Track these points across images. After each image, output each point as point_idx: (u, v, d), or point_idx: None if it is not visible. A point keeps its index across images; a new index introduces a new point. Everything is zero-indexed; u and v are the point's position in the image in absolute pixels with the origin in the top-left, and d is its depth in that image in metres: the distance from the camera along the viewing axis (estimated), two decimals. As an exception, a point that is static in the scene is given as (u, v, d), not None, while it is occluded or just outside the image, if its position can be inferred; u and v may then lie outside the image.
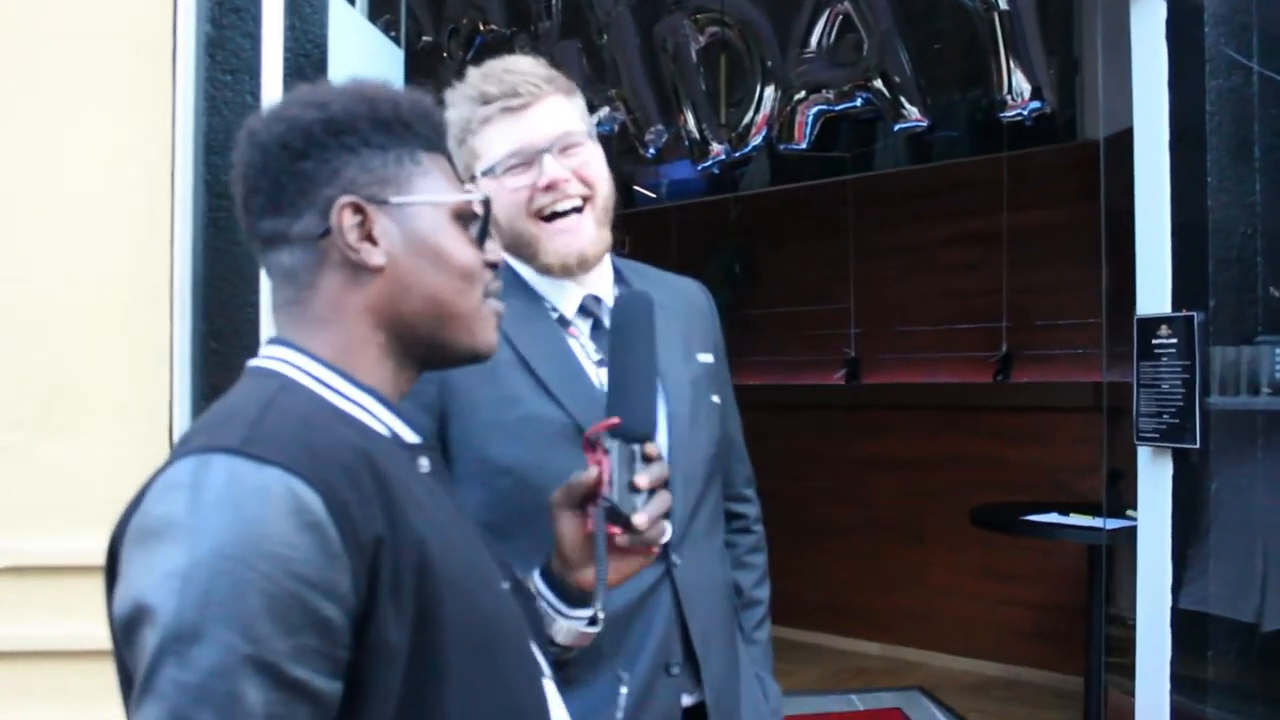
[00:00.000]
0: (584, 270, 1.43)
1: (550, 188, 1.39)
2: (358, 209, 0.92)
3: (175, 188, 1.85)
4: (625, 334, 1.16)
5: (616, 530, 1.08)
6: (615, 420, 1.09)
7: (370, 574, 0.79)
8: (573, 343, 1.44)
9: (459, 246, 0.96)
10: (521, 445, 1.35)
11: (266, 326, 1.89)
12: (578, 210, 1.41)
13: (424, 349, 0.97)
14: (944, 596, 5.03)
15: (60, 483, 1.81)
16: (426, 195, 0.96)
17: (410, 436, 0.96)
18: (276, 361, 0.93)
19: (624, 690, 1.30)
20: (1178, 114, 2.31)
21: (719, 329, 1.64)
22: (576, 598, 1.14)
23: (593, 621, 1.15)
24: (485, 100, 1.40)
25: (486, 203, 0.99)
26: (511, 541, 1.21)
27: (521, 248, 1.41)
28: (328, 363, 0.92)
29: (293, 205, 0.92)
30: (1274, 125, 2.28)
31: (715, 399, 1.54)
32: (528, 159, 1.39)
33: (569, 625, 1.14)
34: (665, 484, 1.12)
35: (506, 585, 0.99)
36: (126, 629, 0.78)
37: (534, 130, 1.40)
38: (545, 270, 1.43)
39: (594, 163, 1.43)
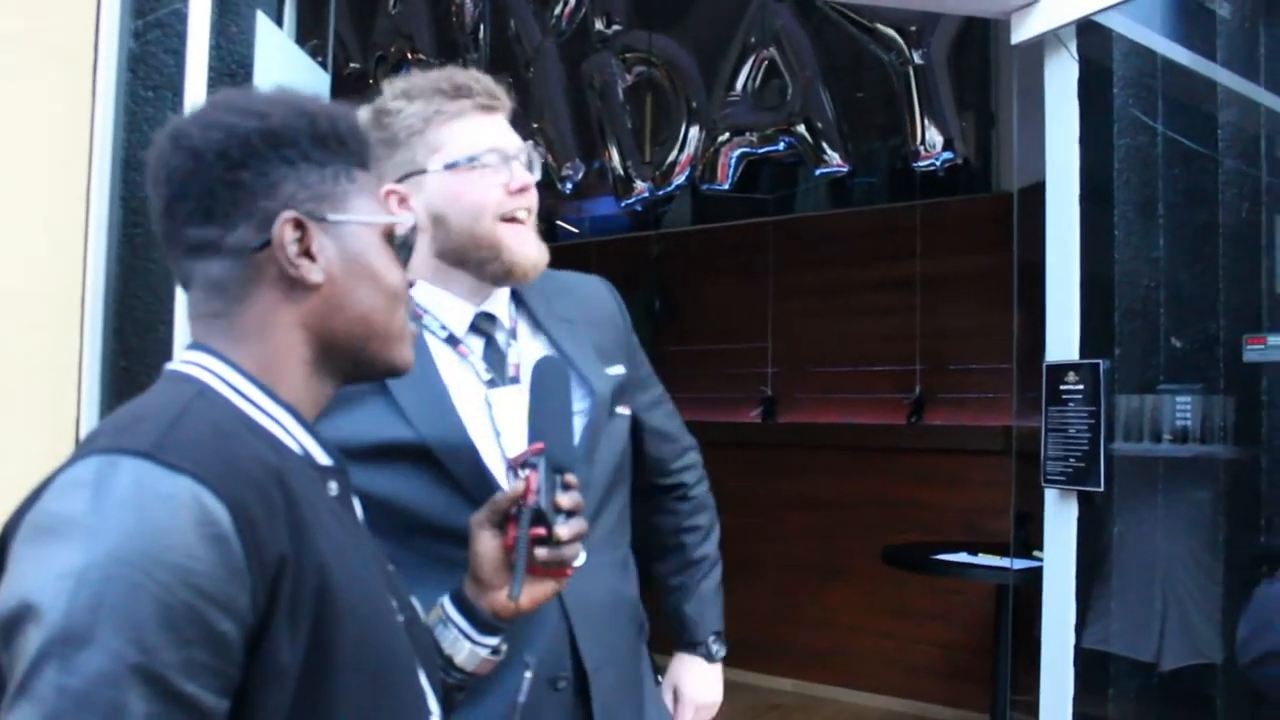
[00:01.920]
0: (533, 279, 1.41)
1: (522, 191, 1.38)
2: (298, 224, 0.90)
3: (90, 203, 1.81)
4: (544, 392, 1.20)
5: (540, 532, 1.09)
6: (540, 445, 1.13)
7: (270, 593, 0.77)
8: (458, 363, 1.40)
9: (389, 267, 0.96)
10: (384, 477, 1.30)
11: (180, 345, 1.85)
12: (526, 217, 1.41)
13: (349, 365, 0.96)
14: (856, 634, 5.07)
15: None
16: (362, 214, 0.95)
17: (323, 458, 0.94)
18: (196, 368, 0.90)
19: (528, 675, 1.29)
20: (1088, 170, 2.39)
21: (627, 324, 1.63)
22: (486, 624, 1.14)
23: (496, 650, 1.16)
24: (459, 94, 1.37)
25: (414, 226, 0.99)
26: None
27: (474, 249, 1.37)
28: (250, 375, 0.90)
29: (226, 216, 0.90)
30: (1177, 184, 2.38)
31: (621, 410, 1.52)
32: (502, 159, 1.37)
33: (474, 650, 1.14)
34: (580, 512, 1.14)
35: (402, 620, 0.98)
36: (8, 628, 0.74)
37: (506, 135, 1.40)
38: (500, 275, 1.39)
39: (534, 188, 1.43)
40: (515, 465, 1.14)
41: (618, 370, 1.52)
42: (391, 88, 1.40)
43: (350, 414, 1.29)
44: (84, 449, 0.80)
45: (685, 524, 1.75)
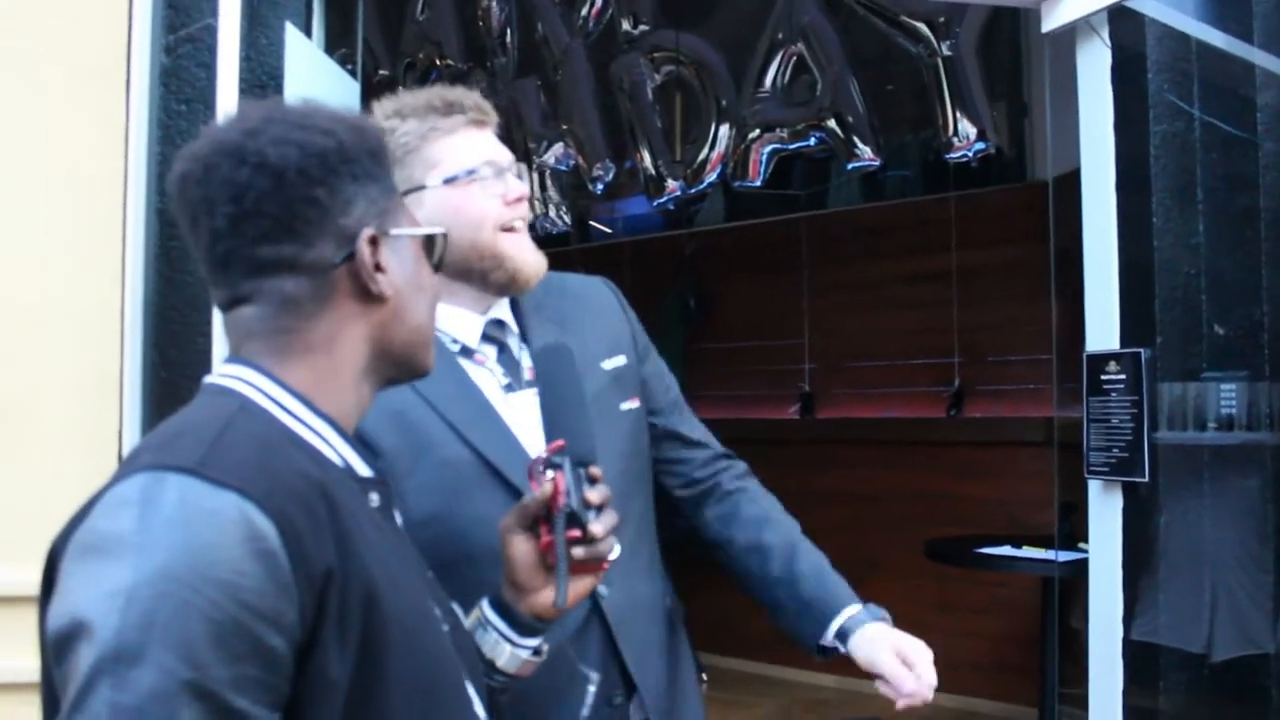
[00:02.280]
0: (535, 284, 1.43)
1: (519, 200, 1.40)
2: (374, 240, 0.93)
3: (127, 216, 1.84)
4: (552, 380, 1.21)
5: (576, 534, 1.10)
6: (561, 442, 1.13)
7: (318, 607, 0.78)
8: (479, 372, 1.42)
9: (433, 276, 1.00)
10: (438, 494, 1.33)
11: (219, 356, 1.87)
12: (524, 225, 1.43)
13: (394, 371, 0.99)
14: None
15: (3, 512, 1.76)
16: (412, 228, 0.98)
17: (363, 470, 0.95)
18: (236, 381, 0.91)
19: (591, 689, 1.30)
20: (1123, 157, 2.36)
21: (631, 320, 1.61)
22: (526, 626, 1.14)
23: (537, 651, 1.16)
24: (452, 110, 1.39)
25: (445, 236, 1.03)
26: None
27: (477, 260, 1.39)
28: (291, 389, 0.91)
29: (304, 233, 0.90)
30: (1215, 169, 2.34)
31: (626, 405, 1.51)
32: (497, 171, 1.39)
33: (515, 653, 1.14)
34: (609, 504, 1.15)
35: (447, 629, 0.98)
36: (60, 645, 0.75)
37: (497, 148, 1.42)
38: (504, 284, 1.41)
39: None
40: (538, 466, 1.14)
41: (617, 362, 1.52)
42: (382, 107, 1.42)
43: (405, 429, 1.33)
44: (128, 466, 0.80)
45: (755, 516, 1.66)
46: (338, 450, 0.93)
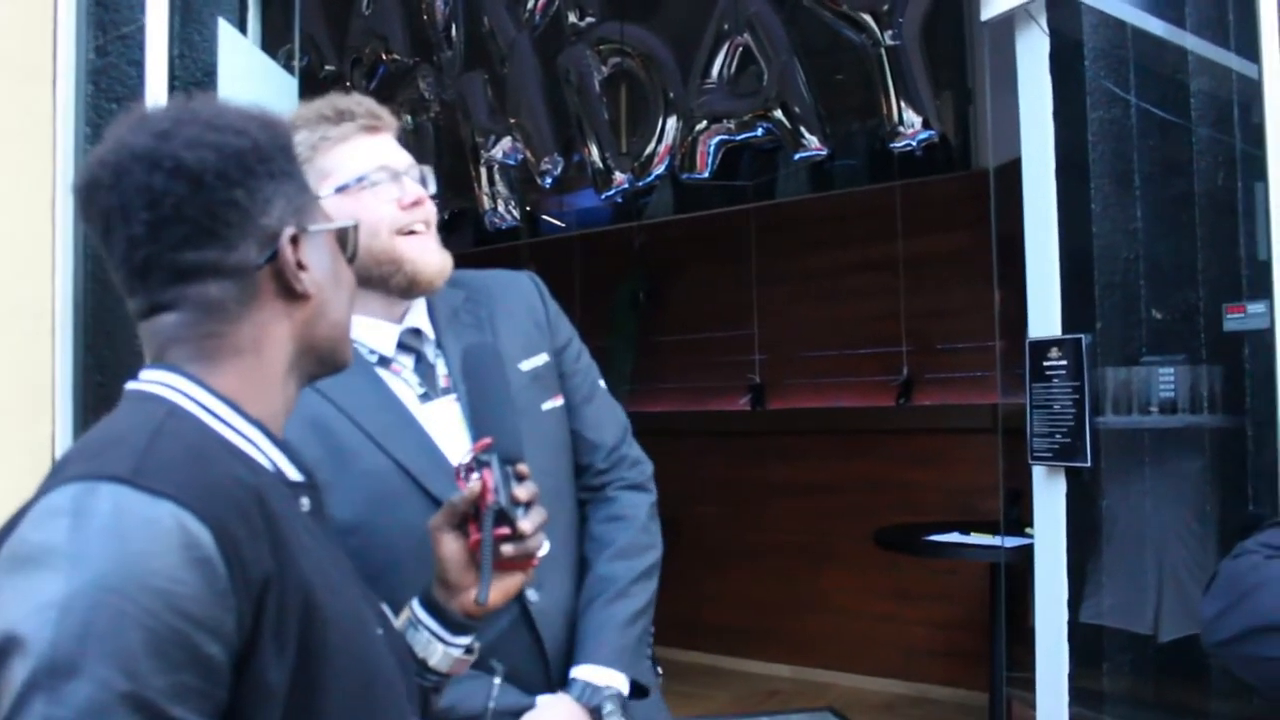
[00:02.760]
0: (439, 286, 1.42)
1: (416, 204, 1.39)
2: (294, 238, 0.92)
3: (56, 216, 1.80)
4: (477, 379, 1.21)
5: (505, 531, 1.10)
6: (488, 440, 1.13)
7: (255, 614, 0.77)
8: (396, 382, 1.41)
9: (348, 270, 1.00)
10: (361, 504, 1.32)
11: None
12: (425, 230, 1.41)
13: (316, 367, 0.98)
14: (852, 618, 5.08)
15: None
16: (328, 223, 0.97)
17: (293, 474, 0.94)
18: (161, 387, 0.89)
19: (497, 681, 1.29)
20: (1063, 144, 2.39)
21: (552, 314, 1.58)
22: (457, 624, 1.14)
23: (469, 650, 1.16)
24: (344, 118, 1.38)
25: (356, 227, 1.03)
26: None
27: (375, 266, 1.37)
28: (218, 393, 0.89)
29: (225, 236, 0.88)
30: (1152, 155, 2.37)
31: (548, 405, 1.50)
32: (391, 176, 1.38)
33: (448, 652, 1.14)
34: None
35: (380, 631, 0.98)
36: None
37: (392, 152, 1.41)
38: (405, 288, 1.40)
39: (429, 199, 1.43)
40: (467, 466, 1.13)
41: (537, 361, 1.51)
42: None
43: (327, 439, 1.32)
44: (57, 477, 0.79)
45: (600, 534, 1.56)
46: (267, 455, 0.91)
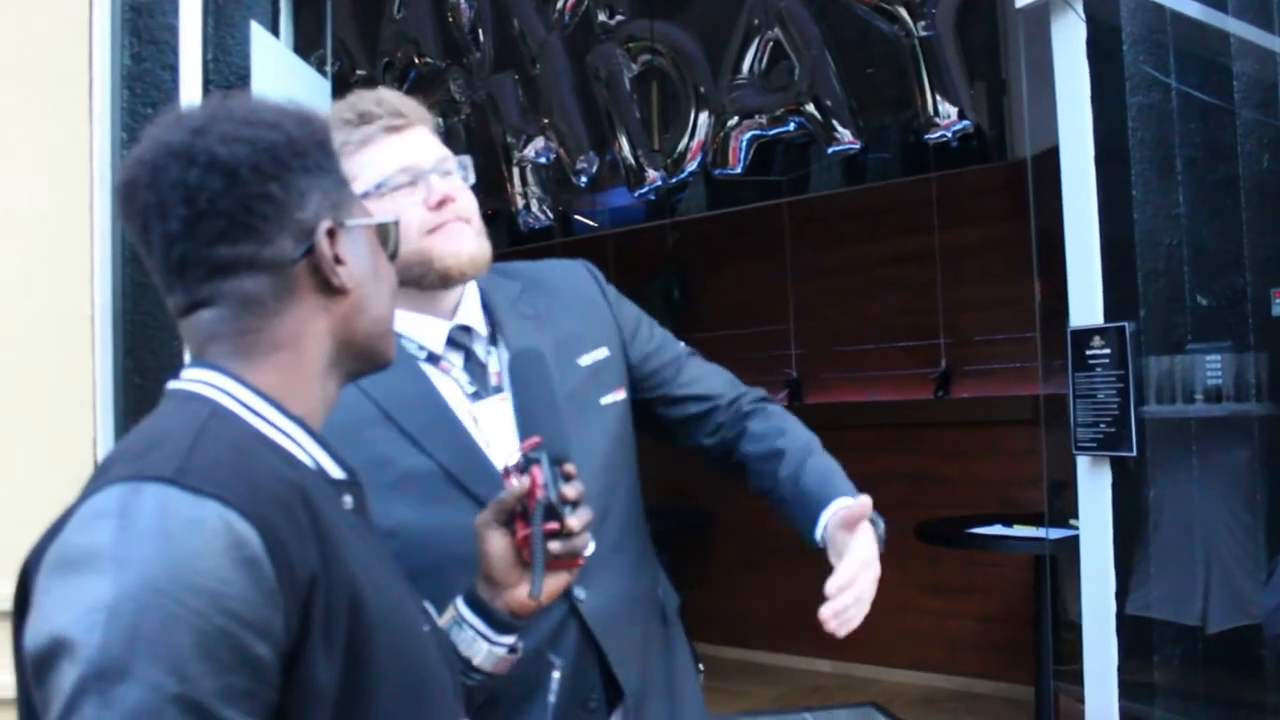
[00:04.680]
0: (475, 274, 1.39)
1: (442, 204, 1.35)
2: (331, 232, 0.91)
3: (94, 222, 1.82)
4: (525, 384, 1.20)
5: (554, 526, 1.10)
6: (538, 439, 1.13)
7: (303, 613, 0.77)
8: (444, 380, 1.38)
9: (389, 265, 0.99)
10: (401, 506, 1.30)
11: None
12: (464, 221, 1.38)
13: (357, 364, 0.98)
14: (894, 612, 5.03)
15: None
16: (367, 218, 0.97)
17: (335, 471, 0.94)
18: (203, 385, 0.89)
19: (556, 675, 1.27)
20: (1101, 131, 2.36)
21: (612, 301, 1.56)
22: (502, 623, 1.13)
23: (513, 649, 1.15)
24: (365, 120, 1.34)
25: (397, 223, 1.02)
26: None
27: (408, 270, 1.34)
28: (259, 390, 0.89)
29: (261, 230, 0.88)
30: (1193, 139, 2.34)
31: (608, 399, 1.47)
32: (414, 177, 1.34)
33: (492, 651, 1.14)
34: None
35: (427, 629, 0.98)
36: (40, 665, 0.73)
37: (417, 151, 1.37)
38: (438, 282, 1.37)
39: (465, 190, 1.39)
40: (515, 466, 1.14)
41: (598, 355, 1.48)
42: None
43: (360, 446, 1.30)
44: (102, 478, 0.79)
45: (760, 431, 1.58)
46: (309, 452, 0.91)
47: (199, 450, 0.79)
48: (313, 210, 0.91)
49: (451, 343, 1.40)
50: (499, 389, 1.39)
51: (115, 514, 0.74)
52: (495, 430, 1.36)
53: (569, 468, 1.14)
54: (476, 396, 1.38)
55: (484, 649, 1.13)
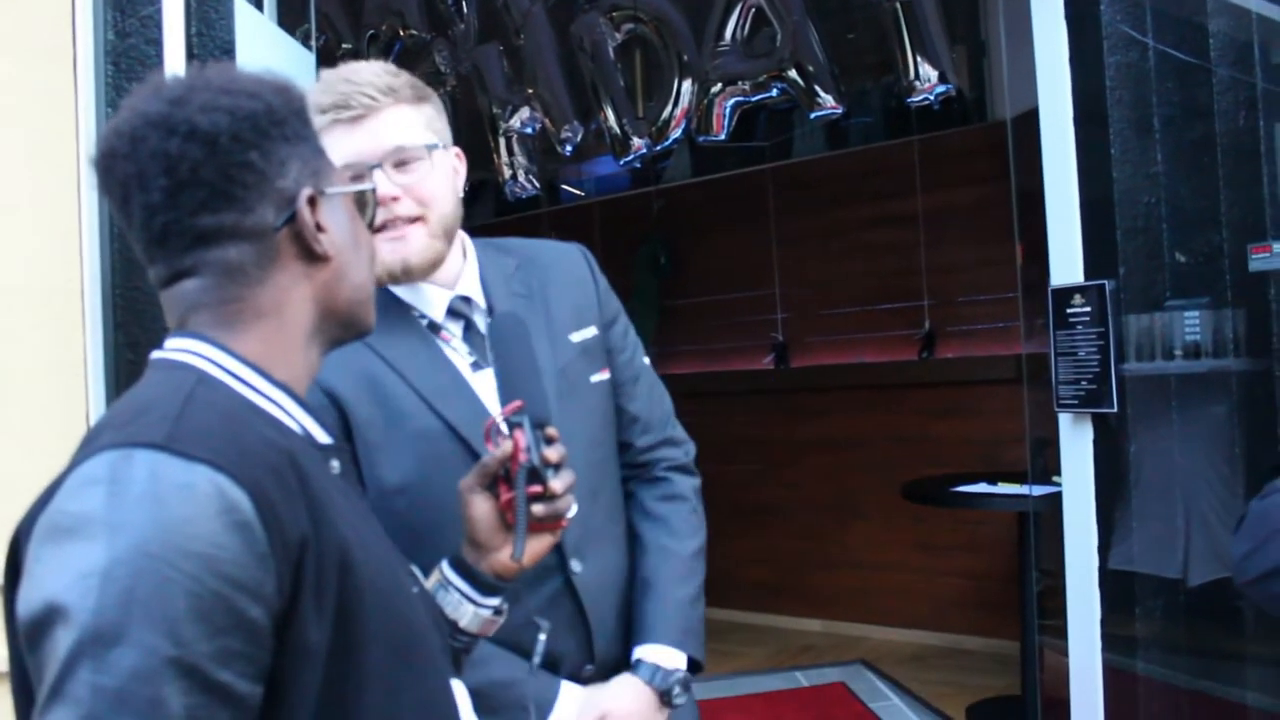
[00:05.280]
0: (409, 278, 1.37)
1: (379, 204, 1.30)
2: (312, 199, 0.92)
3: (82, 197, 1.82)
4: (505, 347, 1.19)
5: (537, 489, 1.10)
6: (519, 403, 1.13)
7: (295, 575, 0.77)
8: (445, 348, 1.40)
9: (367, 233, 1.00)
10: (411, 463, 1.33)
11: (185, 336, 1.86)
12: (409, 222, 1.35)
13: (340, 331, 0.98)
14: (881, 571, 5.11)
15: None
16: (346, 185, 0.97)
17: (322, 437, 0.95)
18: (188, 354, 0.89)
19: (542, 637, 1.25)
20: (1080, 91, 2.37)
21: (601, 288, 1.56)
22: (487, 585, 1.14)
23: (498, 611, 1.16)
24: (319, 110, 1.29)
25: (374, 190, 1.03)
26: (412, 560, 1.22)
27: None
28: (243, 358, 0.89)
29: (242, 199, 0.88)
30: (1171, 98, 2.35)
31: (596, 377, 1.49)
32: (358, 173, 1.29)
33: (478, 613, 1.15)
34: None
35: (415, 590, 0.99)
36: (33, 631, 0.73)
37: (366, 144, 1.32)
38: (390, 283, 1.37)
39: (430, 179, 1.36)
40: (495, 427, 1.14)
41: (586, 334, 1.49)
42: None
43: (383, 400, 1.33)
44: (91, 446, 0.79)
45: (656, 511, 1.54)
46: (295, 418, 0.92)
47: (188, 416, 0.79)
48: (293, 178, 0.91)
49: (451, 312, 1.41)
50: None
51: (106, 480, 0.75)
52: (493, 399, 1.35)
53: (550, 431, 1.14)
54: (476, 366, 1.40)
55: (469, 611, 1.14)
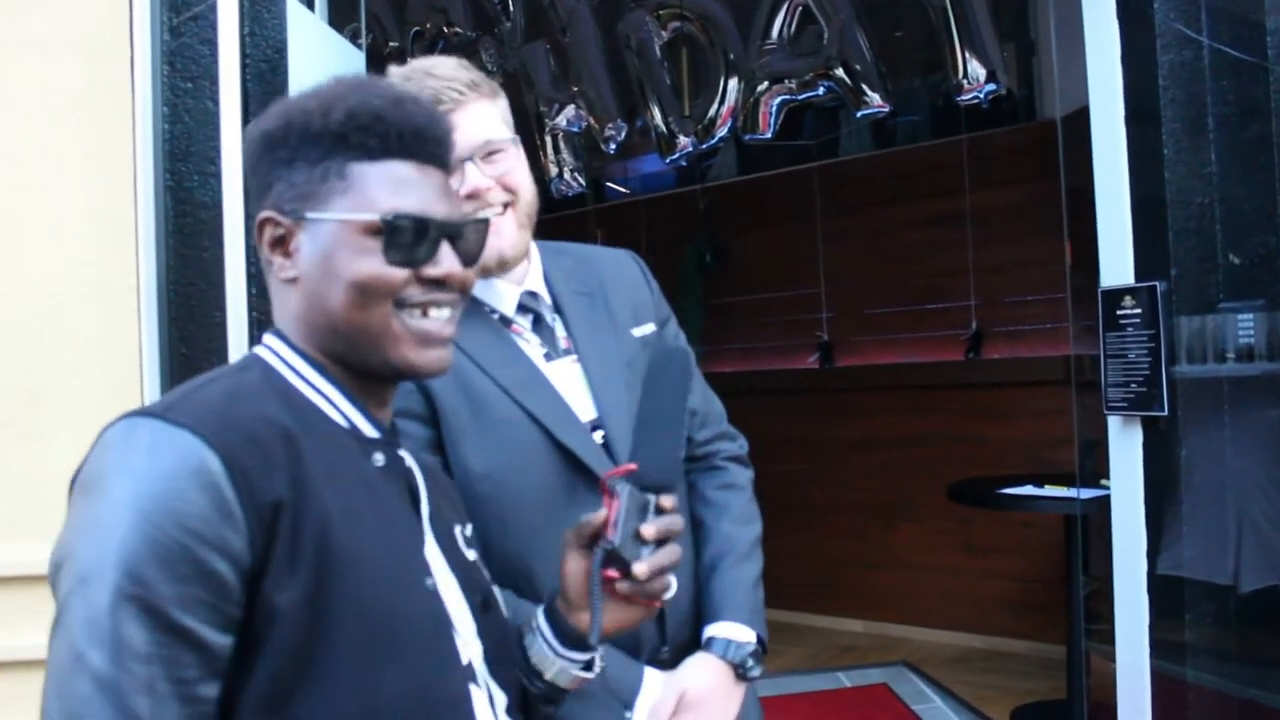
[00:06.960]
0: (503, 270, 1.43)
1: (473, 195, 1.36)
2: (275, 223, 0.98)
3: (138, 195, 1.85)
4: (659, 384, 1.15)
5: (614, 575, 1.06)
6: (632, 466, 1.08)
7: (267, 536, 0.84)
8: (519, 340, 1.44)
9: (358, 262, 0.94)
10: (494, 451, 1.36)
11: (235, 331, 1.90)
12: (499, 214, 1.39)
13: (347, 361, 0.99)
14: (925, 572, 5.07)
15: (30, 491, 1.78)
16: (338, 212, 0.95)
17: (369, 431, 1.00)
18: (260, 347, 1.01)
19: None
20: (1132, 90, 2.34)
21: (654, 291, 1.61)
22: (573, 639, 1.12)
23: (588, 666, 1.14)
24: None
25: (390, 220, 0.94)
26: (493, 547, 1.25)
27: None
28: (304, 353, 0.99)
29: (255, 215, 1.00)
30: (1225, 96, 2.31)
31: None
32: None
33: (562, 665, 1.13)
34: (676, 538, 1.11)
35: (430, 583, 0.98)
36: (53, 575, 0.85)
37: (457, 138, 1.35)
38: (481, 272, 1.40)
39: (517, 169, 1.41)
40: (606, 485, 1.09)
41: (646, 330, 1.53)
42: None
43: (470, 392, 1.36)
44: (120, 415, 0.89)
45: (717, 499, 1.59)
46: (342, 411, 0.99)
47: (197, 394, 0.90)
48: (270, 201, 0.98)
49: (521, 307, 1.46)
50: (569, 351, 1.46)
51: (118, 444, 0.86)
52: (568, 390, 1.42)
53: (664, 500, 1.09)
54: (548, 358, 1.44)
55: (556, 665, 1.13)
